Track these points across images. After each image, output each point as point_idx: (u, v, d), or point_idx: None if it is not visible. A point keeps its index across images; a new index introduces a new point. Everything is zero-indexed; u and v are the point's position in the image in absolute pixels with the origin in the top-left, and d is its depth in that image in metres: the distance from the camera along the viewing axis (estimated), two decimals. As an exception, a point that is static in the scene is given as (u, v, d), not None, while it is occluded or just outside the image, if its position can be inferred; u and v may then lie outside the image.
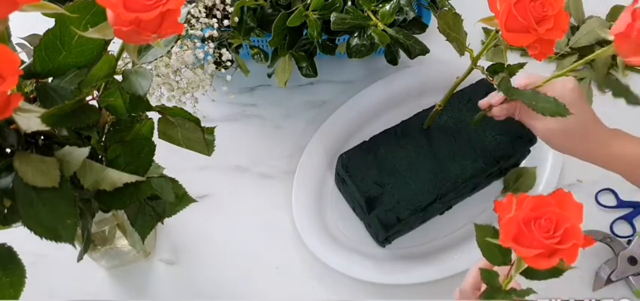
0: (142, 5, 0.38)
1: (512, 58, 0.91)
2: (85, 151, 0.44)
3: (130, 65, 0.50)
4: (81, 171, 0.44)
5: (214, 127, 0.51)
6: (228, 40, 0.76)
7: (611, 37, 0.56)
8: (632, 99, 0.63)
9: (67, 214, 0.43)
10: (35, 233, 0.43)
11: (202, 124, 0.50)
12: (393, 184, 0.74)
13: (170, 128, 0.50)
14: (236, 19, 0.75)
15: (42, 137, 0.46)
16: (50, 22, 0.44)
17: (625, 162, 0.67)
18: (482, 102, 0.74)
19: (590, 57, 0.63)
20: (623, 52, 0.55)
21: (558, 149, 0.71)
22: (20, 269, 0.46)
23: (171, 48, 0.62)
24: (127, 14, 0.38)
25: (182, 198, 0.57)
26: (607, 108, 0.89)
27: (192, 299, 0.74)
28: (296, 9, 0.73)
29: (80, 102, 0.44)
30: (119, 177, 0.46)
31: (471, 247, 0.76)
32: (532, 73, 0.68)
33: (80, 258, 0.53)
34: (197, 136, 0.50)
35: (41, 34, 0.44)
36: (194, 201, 0.58)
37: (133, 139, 0.50)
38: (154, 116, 0.50)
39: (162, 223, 0.55)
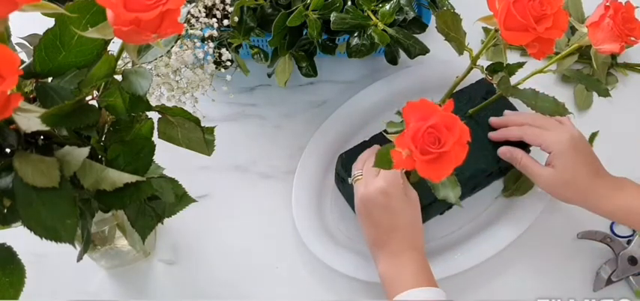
0: (142, 5, 0.38)
1: (512, 57, 0.91)
2: (85, 151, 0.44)
3: (129, 65, 0.49)
4: (81, 171, 0.44)
5: (214, 127, 0.51)
6: (228, 40, 0.76)
7: (585, 29, 0.61)
8: (602, 92, 0.66)
9: (67, 214, 0.43)
10: (35, 233, 0.43)
11: (202, 124, 0.50)
12: (393, 184, 0.74)
13: (170, 128, 0.50)
14: (236, 19, 0.75)
15: (42, 137, 0.46)
16: (50, 22, 0.44)
17: (630, 215, 0.66)
18: (495, 136, 0.76)
19: (565, 52, 0.67)
20: (596, 41, 0.59)
21: (558, 198, 0.72)
22: (20, 269, 0.46)
23: (171, 48, 0.62)
24: (126, 14, 0.38)
25: (182, 198, 0.57)
26: (605, 108, 0.89)
27: (192, 299, 0.74)
28: (296, 9, 0.73)
29: (80, 102, 0.44)
30: (119, 177, 0.46)
31: (471, 247, 0.76)
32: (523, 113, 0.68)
33: (80, 258, 0.53)
34: (197, 136, 0.50)
35: (41, 34, 0.44)
36: (194, 201, 0.58)
37: (133, 139, 0.50)
38: (154, 116, 0.50)
39: (162, 223, 0.56)
